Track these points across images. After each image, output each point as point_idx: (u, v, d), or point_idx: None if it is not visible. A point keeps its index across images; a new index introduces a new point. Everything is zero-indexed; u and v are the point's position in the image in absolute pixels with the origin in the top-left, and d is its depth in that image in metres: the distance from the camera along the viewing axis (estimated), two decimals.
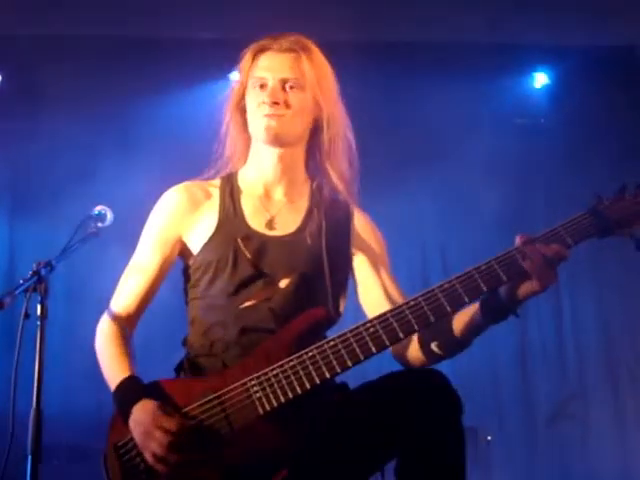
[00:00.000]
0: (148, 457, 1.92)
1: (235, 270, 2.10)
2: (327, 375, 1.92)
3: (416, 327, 1.93)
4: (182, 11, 4.83)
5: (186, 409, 1.96)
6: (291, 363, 1.94)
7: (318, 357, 1.93)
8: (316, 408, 1.96)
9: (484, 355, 4.91)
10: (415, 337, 2.09)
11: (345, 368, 1.93)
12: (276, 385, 1.93)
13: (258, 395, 1.94)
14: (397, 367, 2.11)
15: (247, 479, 1.91)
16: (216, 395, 1.96)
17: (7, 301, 1.94)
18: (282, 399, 1.93)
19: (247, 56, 2.23)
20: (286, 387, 1.93)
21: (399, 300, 2.14)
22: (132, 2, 4.80)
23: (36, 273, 2.01)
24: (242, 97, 2.23)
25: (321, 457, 1.94)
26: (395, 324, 1.92)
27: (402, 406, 1.86)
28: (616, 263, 5.16)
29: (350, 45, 4.57)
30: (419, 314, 1.92)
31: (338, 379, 2.03)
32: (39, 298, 2.01)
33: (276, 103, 2.13)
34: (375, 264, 2.23)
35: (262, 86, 2.17)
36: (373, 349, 1.92)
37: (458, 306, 1.94)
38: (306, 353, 1.94)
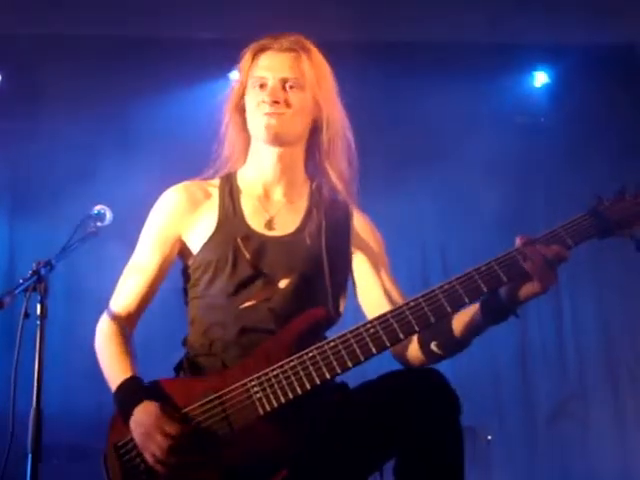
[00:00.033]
0: (148, 458, 1.92)
1: (235, 270, 2.10)
2: (327, 376, 1.92)
3: (416, 328, 1.93)
4: (182, 11, 4.83)
5: (186, 409, 1.97)
6: (291, 363, 1.94)
7: (318, 357, 1.93)
8: (316, 408, 1.96)
9: (484, 355, 4.91)
10: (415, 337, 2.09)
11: (345, 369, 1.93)
12: (276, 385, 1.93)
13: (258, 395, 1.94)
14: (396, 366, 2.11)
15: (247, 479, 1.91)
16: (217, 395, 1.96)
17: (7, 300, 1.94)
18: (282, 399, 1.93)
19: (247, 56, 2.23)
20: (286, 387, 1.93)
21: (398, 300, 2.14)
22: (132, 2, 4.80)
23: (36, 272, 2.02)
24: (241, 97, 2.23)
25: (321, 457, 1.94)
26: (395, 325, 1.92)
27: (401, 406, 1.87)
28: (616, 263, 5.16)
29: (350, 45, 4.58)
30: (419, 315, 1.92)
31: (338, 379, 2.03)
32: (39, 297, 2.01)
33: (276, 102, 2.13)
34: (374, 264, 2.23)
35: (262, 86, 2.17)
36: (373, 350, 1.92)
37: (458, 307, 1.94)
38: (306, 354, 1.94)
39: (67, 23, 4.91)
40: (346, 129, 2.25)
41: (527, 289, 1.93)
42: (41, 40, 5.00)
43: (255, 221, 2.18)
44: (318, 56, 2.21)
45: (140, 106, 5.05)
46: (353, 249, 2.24)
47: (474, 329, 2.02)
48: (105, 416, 2.08)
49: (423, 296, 1.94)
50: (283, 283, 2.11)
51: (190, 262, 2.19)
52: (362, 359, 1.92)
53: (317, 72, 2.18)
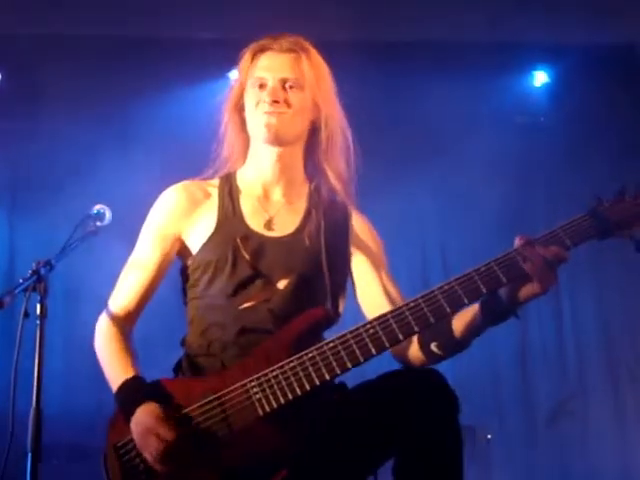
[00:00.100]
0: (148, 458, 1.93)
1: (234, 270, 2.10)
2: (327, 377, 1.92)
3: (416, 328, 1.93)
4: (182, 11, 4.83)
5: (186, 410, 1.97)
6: (291, 364, 1.94)
7: (318, 358, 1.93)
8: (315, 408, 1.97)
9: (484, 355, 4.91)
10: (415, 337, 2.09)
11: (345, 370, 1.93)
12: (276, 386, 1.93)
13: (258, 396, 1.94)
14: (395, 366, 2.11)
15: None
16: (216, 396, 1.96)
17: (7, 300, 1.94)
18: (282, 400, 1.93)
19: (246, 56, 2.23)
20: (286, 388, 1.93)
21: (398, 300, 2.14)
22: (132, 2, 4.79)
23: (35, 272, 2.02)
24: (241, 97, 2.23)
25: (320, 457, 1.94)
26: (395, 325, 1.92)
27: (400, 405, 1.87)
28: (616, 264, 5.16)
29: (350, 44, 4.58)
30: (419, 315, 1.92)
31: (337, 379, 2.03)
32: (39, 297, 2.01)
33: (276, 102, 2.14)
34: (373, 264, 2.23)
35: (262, 86, 2.17)
36: (373, 350, 1.92)
37: (458, 307, 1.94)
38: (306, 354, 1.94)
39: (67, 23, 4.91)
40: (345, 130, 2.25)
41: (527, 290, 1.93)
42: (41, 40, 5.00)
43: (254, 221, 2.18)
44: (317, 57, 2.22)
45: (140, 106, 5.05)
46: (352, 249, 2.24)
47: (474, 330, 2.02)
48: (105, 416, 2.09)
49: (422, 297, 1.94)
50: (282, 284, 2.11)
51: (189, 262, 2.19)
52: (362, 360, 1.92)
53: (316, 73, 2.19)
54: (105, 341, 2.15)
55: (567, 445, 5.19)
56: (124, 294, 2.19)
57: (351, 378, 2.04)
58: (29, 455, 1.95)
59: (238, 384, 1.95)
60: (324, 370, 1.92)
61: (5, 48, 5.02)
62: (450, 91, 5.11)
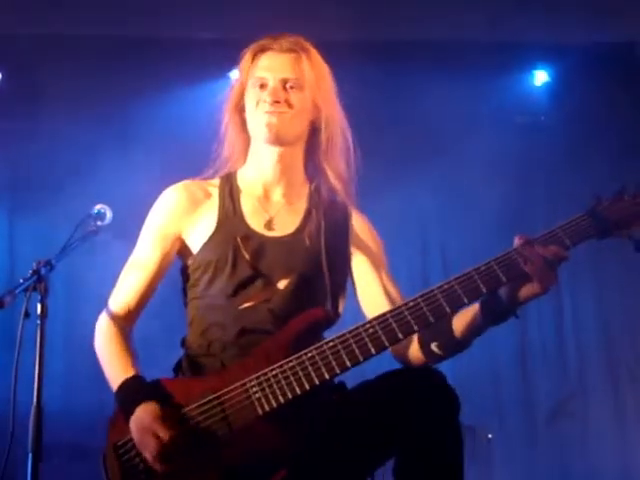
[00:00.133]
0: (147, 457, 1.93)
1: (234, 270, 2.10)
2: (326, 376, 1.93)
3: (415, 328, 1.93)
4: (182, 11, 4.83)
5: (185, 409, 1.97)
6: (290, 364, 1.94)
7: (317, 358, 1.93)
8: (315, 408, 1.97)
9: (484, 354, 4.91)
10: (415, 337, 2.09)
11: (344, 369, 1.93)
12: (275, 386, 1.94)
13: (257, 396, 1.94)
14: (395, 366, 2.11)
15: (246, 479, 1.91)
16: (215, 396, 1.96)
17: (7, 300, 1.94)
18: (281, 400, 1.93)
19: (247, 56, 2.24)
20: (285, 388, 1.93)
21: (398, 300, 2.15)
22: (132, 2, 4.79)
23: (36, 272, 2.02)
24: (241, 97, 2.23)
25: (320, 457, 1.94)
26: (394, 325, 1.92)
27: (400, 405, 1.87)
28: (615, 264, 5.16)
29: (350, 44, 4.58)
30: (418, 315, 1.93)
31: (336, 378, 2.03)
32: (39, 297, 2.01)
33: (277, 102, 2.14)
34: (373, 264, 2.23)
35: (262, 86, 2.18)
36: (372, 350, 1.92)
37: (457, 307, 1.95)
38: (305, 354, 1.94)
39: (67, 23, 4.91)
40: (345, 130, 2.25)
41: (527, 290, 1.93)
42: (41, 40, 5.00)
43: (255, 221, 2.19)
44: (317, 57, 2.22)
45: (140, 106, 5.05)
46: (352, 249, 2.24)
47: (474, 329, 2.02)
48: (106, 415, 2.09)
49: (422, 296, 1.94)
50: (282, 284, 2.11)
51: (190, 262, 2.19)
52: (361, 359, 1.92)
53: (317, 73, 2.19)
54: (105, 340, 2.15)
55: (567, 445, 5.19)
56: (124, 293, 2.19)
57: (351, 378, 2.04)
58: (30, 455, 1.95)
59: (238, 383, 1.95)
60: (323, 369, 1.92)
61: (5, 48, 5.02)
62: (450, 91, 5.11)
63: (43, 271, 2.02)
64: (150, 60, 5.05)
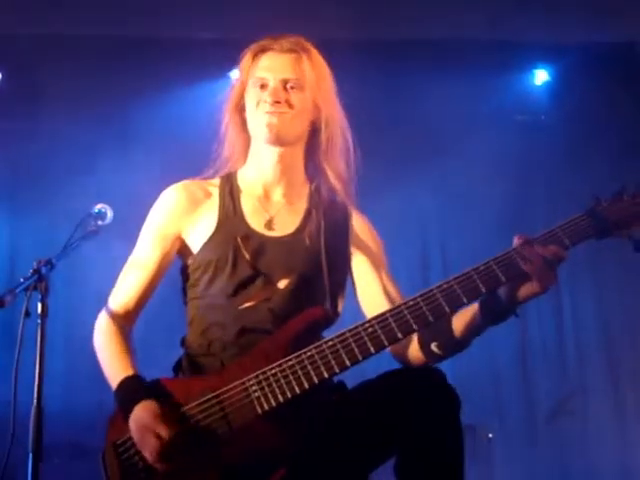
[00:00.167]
0: (146, 456, 1.93)
1: (234, 270, 2.11)
2: (325, 375, 1.93)
3: (415, 327, 1.93)
4: (182, 11, 4.83)
5: (185, 408, 1.97)
6: (290, 363, 1.94)
7: (317, 357, 1.93)
8: (314, 408, 1.97)
9: (484, 353, 4.92)
10: (415, 337, 2.10)
11: (344, 368, 1.93)
12: (275, 385, 1.94)
13: (257, 394, 1.94)
14: (395, 366, 2.12)
15: (245, 478, 1.92)
16: (215, 394, 1.97)
17: (8, 299, 1.94)
18: (281, 399, 1.93)
19: (247, 56, 2.24)
20: (285, 387, 1.93)
21: (397, 299, 2.15)
22: (132, 2, 4.80)
23: (36, 271, 2.02)
24: (242, 97, 2.23)
25: (319, 456, 1.94)
26: (394, 324, 1.93)
27: (400, 404, 1.87)
28: (615, 264, 5.16)
29: (350, 44, 4.58)
30: (418, 314, 1.93)
31: (336, 378, 2.03)
32: (39, 296, 2.02)
33: (278, 102, 2.14)
34: (373, 264, 2.23)
35: (262, 86, 2.18)
36: (372, 349, 1.92)
37: (456, 307, 1.95)
38: (305, 353, 1.94)
39: (67, 23, 4.91)
40: (345, 130, 2.25)
41: (527, 289, 1.93)
42: (41, 40, 5.00)
43: (255, 221, 2.19)
44: (318, 57, 2.22)
45: (140, 106, 5.05)
46: (352, 249, 2.24)
47: (474, 329, 2.02)
48: (106, 414, 2.09)
49: (421, 295, 1.94)
50: (282, 283, 2.12)
51: (190, 262, 2.20)
52: (360, 358, 1.92)
53: (317, 73, 2.19)
54: (104, 340, 2.15)
55: (567, 444, 5.19)
56: (124, 293, 2.19)
57: (351, 377, 2.04)
58: (30, 454, 1.95)
59: (237, 382, 1.96)
60: (323, 369, 1.93)
61: (5, 48, 5.03)
62: (450, 90, 5.11)
63: (44, 270, 2.03)
64: (150, 60, 5.05)
